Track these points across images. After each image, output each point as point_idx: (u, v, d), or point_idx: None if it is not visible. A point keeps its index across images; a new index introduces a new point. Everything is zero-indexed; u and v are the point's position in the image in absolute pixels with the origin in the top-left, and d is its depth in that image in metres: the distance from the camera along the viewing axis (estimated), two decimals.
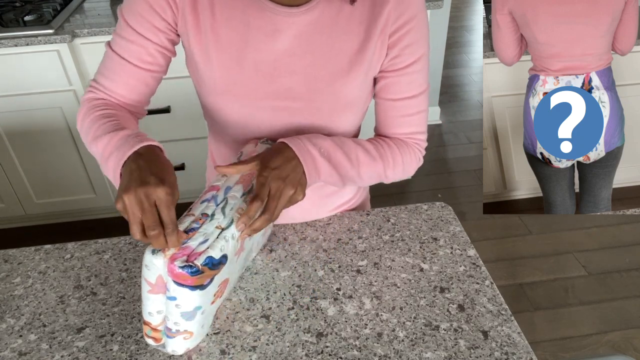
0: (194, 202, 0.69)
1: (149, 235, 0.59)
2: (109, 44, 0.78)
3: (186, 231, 0.64)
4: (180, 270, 0.60)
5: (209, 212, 0.66)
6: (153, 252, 0.61)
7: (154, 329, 0.69)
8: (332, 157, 0.76)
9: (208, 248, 0.63)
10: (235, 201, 0.69)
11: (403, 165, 0.85)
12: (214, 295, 0.69)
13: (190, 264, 0.61)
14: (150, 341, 0.71)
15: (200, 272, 0.61)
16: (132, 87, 0.79)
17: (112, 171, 0.67)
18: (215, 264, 0.63)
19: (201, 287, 0.63)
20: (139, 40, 0.75)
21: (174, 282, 0.61)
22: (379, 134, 0.87)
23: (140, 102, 0.81)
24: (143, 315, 0.68)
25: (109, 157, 0.68)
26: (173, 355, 0.72)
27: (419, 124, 0.84)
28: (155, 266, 0.62)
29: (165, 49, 0.78)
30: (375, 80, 0.83)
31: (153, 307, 0.66)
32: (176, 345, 0.70)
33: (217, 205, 0.68)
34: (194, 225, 0.64)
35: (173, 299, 0.64)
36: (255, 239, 0.79)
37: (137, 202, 0.59)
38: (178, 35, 0.79)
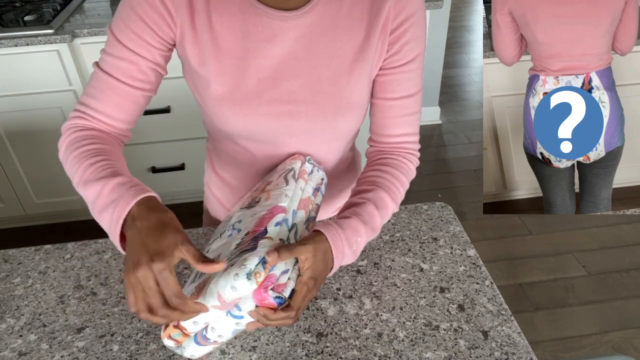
0: (258, 216, 0.68)
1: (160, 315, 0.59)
2: (97, 63, 0.74)
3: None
4: (272, 300, 0.61)
5: (285, 238, 0.66)
6: (248, 277, 0.60)
7: (185, 334, 0.67)
8: (359, 247, 0.74)
9: (290, 279, 0.63)
10: (301, 228, 0.68)
11: (407, 186, 0.84)
12: None
13: (280, 295, 0.61)
14: (169, 342, 0.68)
15: (283, 303, 0.62)
16: (121, 107, 0.74)
17: (107, 226, 0.65)
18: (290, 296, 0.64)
19: None
20: (129, 56, 0.72)
21: (255, 306, 0.62)
22: (374, 138, 0.85)
23: (129, 122, 0.77)
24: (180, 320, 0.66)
25: (102, 210, 0.65)
26: (175, 355, 0.72)
27: (414, 125, 0.83)
28: (244, 291, 0.60)
29: (158, 65, 0.75)
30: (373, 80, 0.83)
31: (202, 319, 0.65)
32: (199, 352, 0.69)
33: (289, 231, 0.67)
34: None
35: (239, 317, 0.64)
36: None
37: (144, 284, 0.58)
38: (171, 50, 0.76)
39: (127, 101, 0.74)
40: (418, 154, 0.85)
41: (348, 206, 0.77)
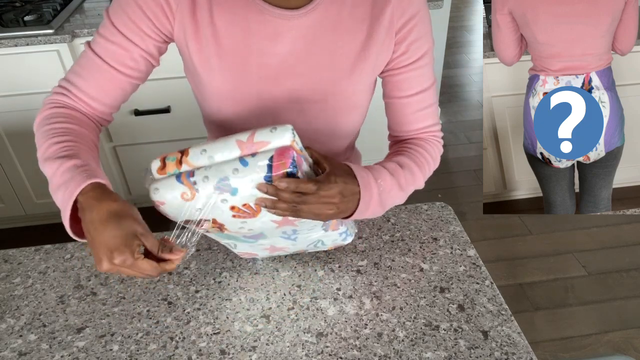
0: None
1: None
2: (88, 43, 0.74)
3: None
4: (289, 163, 0.61)
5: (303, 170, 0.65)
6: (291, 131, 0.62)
7: (179, 162, 0.65)
8: (384, 194, 0.73)
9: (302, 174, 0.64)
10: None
11: (434, 165, 0.84)
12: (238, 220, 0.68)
13: (296, 166, 0.62)
14: (155, 164, 0.66)
15: (293, 175, 0.62)
16: (105, 91, 0.74)
17: (60, 204, 0.64)
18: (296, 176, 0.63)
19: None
20: (123, 42, 0.72)
21: (270, 157, 0.61)
22: (396, 135, 0.86)
23: (111, 107, 0.77)
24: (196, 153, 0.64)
25: (56, 190, 0.65)
26: (175, 355, 0.72)
27: (433, 116, 0.84)
28: (280, 137, 0.61)
29: (150, 55, 0.75)
30: (382, 81, 0.83)
31: (211, 151, 0.63)
32: (166, 192, 0.64)
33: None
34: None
35: (244, 164, 0.62)
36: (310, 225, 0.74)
37: (120, 268, 0.60)
38: (167, 43, 0.77)
39: (112, 85, 0.74)
40: (442, 141, 0.86)
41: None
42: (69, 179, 0.63)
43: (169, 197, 0.64)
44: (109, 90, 0.75)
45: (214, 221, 0.68)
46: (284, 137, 0.62)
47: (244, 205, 0.65)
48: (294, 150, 0.62)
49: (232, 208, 0.65)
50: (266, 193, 0.62)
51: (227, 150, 0.63)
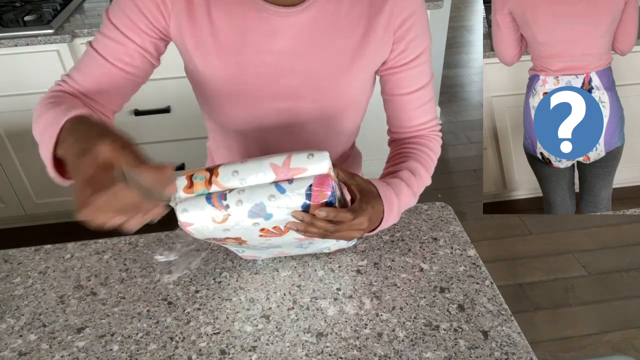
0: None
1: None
2: (90, 42, 0.77)
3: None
4: (329, 191, 0.61)
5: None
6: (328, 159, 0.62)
7: (208, 182, 0.62)
8: (402, 207, 0.77)
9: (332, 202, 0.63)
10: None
11: (436, 159, 0.87)
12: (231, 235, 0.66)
13: (334, 194, 0.62)
14: (181, 181, 0.63)
15: (331, 204, 0.62)
16: (101, 83, 0.75)
17: (46, 146, 0.61)
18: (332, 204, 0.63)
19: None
20: (119, 38, 0.73)
21: (309, 186, 0.61)
22: (395, 131, 0.88)
23: (109, 102, 0.77)
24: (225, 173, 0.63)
25: (42, 132, 0.63)
26: (175, 355, 0.72)
27: (431, 111, 0.86)
28: (319, 164, 0.61)
29: (146, 52, 0.76)
30: (381, 79, 0.83)
31: (245, 172, 0.62)
32: (195, 215, 0.62)
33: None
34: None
35: (281, 191, 0.61)
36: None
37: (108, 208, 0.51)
38: (165, 42, 0.77)
39: (107, 79, 0.75)
40: (440, 134, 0.88)
41: (384, 176, 0.80)
42: (54, 118, 0.62)
43: (198, 220, 0.63)
44: (103, 83, 0.75)
45: (238, 238, 0.68)
46: (321, 164, 0.62)
47: (274, 227, 0.65)
48: (332, 179, 0.62)
49: (262, 230, 0.65)
50: (302, 220, 0.63)
51: (261, 173, 0.62)
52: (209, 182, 0.63)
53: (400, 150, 0.85)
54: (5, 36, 1.69)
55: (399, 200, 0.74)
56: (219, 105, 0.79)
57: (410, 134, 0.86)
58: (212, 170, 0.63)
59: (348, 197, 0.71)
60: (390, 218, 0.73)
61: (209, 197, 0.62)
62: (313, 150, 0.63)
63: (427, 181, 0.83)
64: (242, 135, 0.83)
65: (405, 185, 0.76)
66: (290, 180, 0.62)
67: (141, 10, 0.72)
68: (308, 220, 0.63)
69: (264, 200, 0.62)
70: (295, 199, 0.61)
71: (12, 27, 1.74)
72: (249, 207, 0.62)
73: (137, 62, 0.76)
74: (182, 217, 0.63)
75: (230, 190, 0.63)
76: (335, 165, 0.66)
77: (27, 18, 1.78)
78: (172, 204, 0.64)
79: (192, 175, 0.63)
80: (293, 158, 0.62)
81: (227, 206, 0.62)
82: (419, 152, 0.83)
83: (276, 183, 0.62)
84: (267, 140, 0.83)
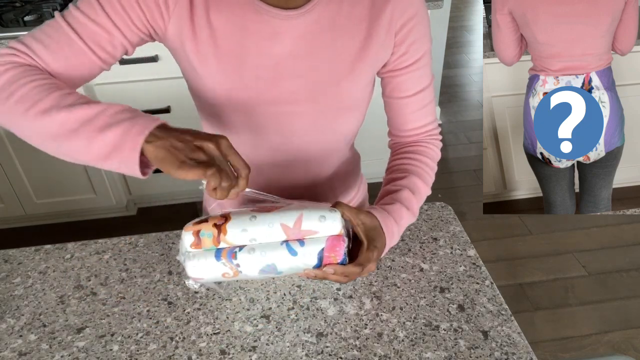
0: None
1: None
2: (62, 15, 0.68)
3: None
4: (342, 251, 0.62)
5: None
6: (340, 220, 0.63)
7: (215, 240, 0.63)
8: (402, 230, 0.78)
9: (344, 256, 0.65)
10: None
11: (435, 166, 0.88)
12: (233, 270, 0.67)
13: (344, 258, 0.63)
14: (188, 238, 0.63)
15: (345, 264, 0.64)
16: (71, 69, 0.68)
17: (113, 141, 0.58)
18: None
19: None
20: (107, 25, 0.68)
21: (321, 250, 0.62)
22: (396, 134, 0.88)
23: (72, 87, 0.69)
24: (228, 227, 0.63)
25: (105, 127, 0.59)
26: (175, 355, 0.72)
27: (431, 113, 0.86)
28: (330, 226, 0.62)
29: (130, 44, 0.72)
30: (382, 81, 0.83)
31: (254, 232, 0.62)
32: (203, 270, 0.64)
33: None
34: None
35: (293, 254, 0.62)
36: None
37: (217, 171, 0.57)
38: (152, 39, 0.75)
39: (81, 65, 0.69)
40: (440, 137, 0.89)
41: (385, 194, 0.80)
42: (134, 116, 0.60)
43: (208, 274, 0.65)
44: (74, 68, 0.69)
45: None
46: (333, 226, 0.63)
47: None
48: (344, 241, 0.62)
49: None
50: (314, 277, 0.67)
51: (271, 233, 0.63)
52: (217, 240, 0.64)
53: (400, 163, 0.85)
54: (5, 36, 1.69)
55: (399, 227, 0.76)
56: (218, 109, 0.79)
57: (410, 137, 0.86)
58: (220, 228, 0.63)
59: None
60: (391, 244, 0.75)
61: (218, 254, 0.64)
62: (324, 211, 0.63)
63: (427, 193, 0.85)
64: (241, 139, 0.82)
65: (405, 209, 0.78)
66: (301, 241, 0.63)
67: (139, 4, 0.69)
68: (320, 276, 0.66)
69: (275, 262, 0.63)
70: (307, 260, 0.63)
71: (12, 27, 1.74)
72: (260, 267, 0.64)
73: (118, 53, 0.72)
74: (191, 273, 0.65)
75: (240, 247, 0.64)
76: (339, 202, 0.68)
77: (27, 18, 1.78)
78: (179, 258, 0.65)
79: (199, 232, 0.64)
80: (304, 219, 0.62)
81: (238, 265, 0.64)
82: (418, 163, 0.84)
83: (287, 243, 0.63)
84: (267, 144, 0.82)
